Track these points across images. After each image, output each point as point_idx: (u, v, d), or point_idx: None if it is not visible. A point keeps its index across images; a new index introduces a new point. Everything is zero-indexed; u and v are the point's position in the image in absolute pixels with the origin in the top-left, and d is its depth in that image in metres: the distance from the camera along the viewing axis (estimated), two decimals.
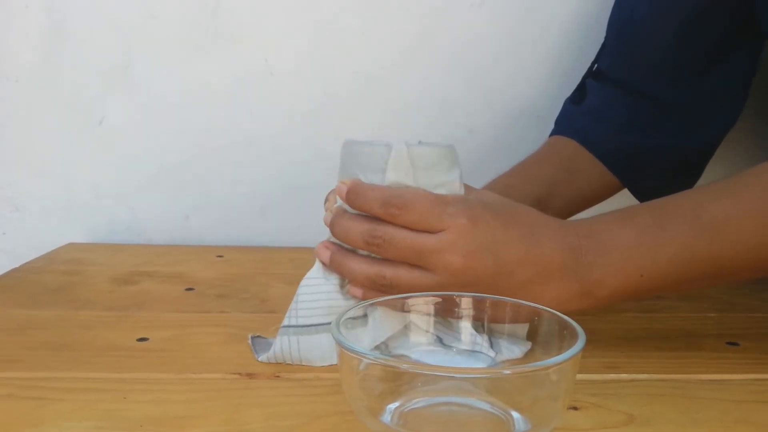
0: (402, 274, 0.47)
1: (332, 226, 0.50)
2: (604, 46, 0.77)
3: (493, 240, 0.47)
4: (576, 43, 0.88)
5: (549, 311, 0.41)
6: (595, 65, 0.77)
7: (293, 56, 0.88)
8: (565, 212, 0.71)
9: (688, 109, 0.71)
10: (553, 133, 0.77)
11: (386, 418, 0.37)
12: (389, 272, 0.47)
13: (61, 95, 0.88)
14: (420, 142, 0.53)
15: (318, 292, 0.50)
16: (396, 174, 0.49)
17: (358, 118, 0.90)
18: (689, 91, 0.71)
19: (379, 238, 0.47)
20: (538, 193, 0.67)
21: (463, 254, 0.46)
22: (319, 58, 0.88)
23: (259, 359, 0.49)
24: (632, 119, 0.72)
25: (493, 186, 0.68)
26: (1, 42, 0.86)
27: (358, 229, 0.48)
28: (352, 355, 0.35)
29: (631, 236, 0.48)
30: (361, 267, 0.48)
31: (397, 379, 0.37)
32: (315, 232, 0.87)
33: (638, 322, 0.59)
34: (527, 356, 0.44)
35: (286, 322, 0.50)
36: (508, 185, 0.67)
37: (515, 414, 0.37)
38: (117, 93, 0.88)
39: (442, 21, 0.88)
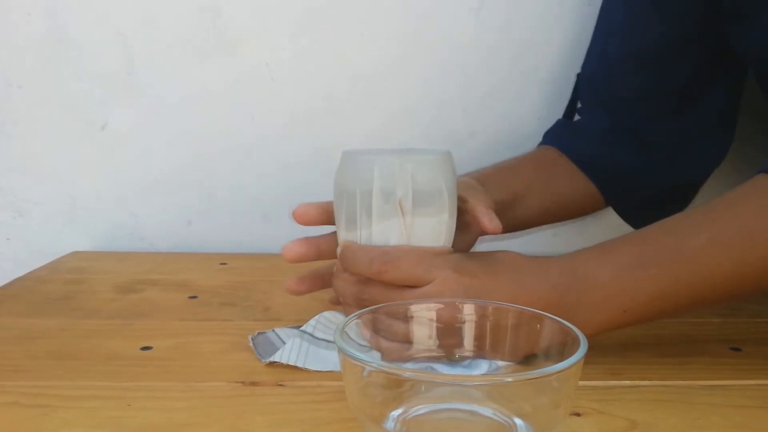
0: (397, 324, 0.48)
1: (333, 284, 0.54)
2: (576, 84, 0.77)
3: (480, 289, 0.48)
4: (575, 44, 0.88)
5: (551, 317, 0.41)
6: (578, 103, 0.78)
7: (293, 60, 0.88)
8: (541, 212, 0.71)
9: (670, 145, 0.72)
10: (540, 144, 0.78)
11: (389, 425, 0.37)
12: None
13: (63, 101, 0.88)
14: (415, 149, 0.53)
15: (339, 318, 0.53)
16: (385, 184, 0.49)
17: (359, 122, 0.90)
18: (667, 127, 0.71)
19: (366, 301, 0.49)
20: (515, 187, 0.67)
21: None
22: (319, 62, 0.88)
23: (266, 360, 0.50)
24: (619, 145, 0.73)
25: (471, 175, 0.67)
26: (3, 48, 0.86)
27: (350, 290, 0.51)
28: (355, 362, 0.35)
29: (610, 274, 0.49)
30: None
31: (400, 386, 0.37)
32: None
33: (640, 328, 0.58)
34: (529, 362, 0.44)
35: (303, 327, 0.52)
36: (486, 174, 0.67)
37: (518, 420, 0.37)
38: (119, 99, 0.88)
39: (440, 24, 0.88)
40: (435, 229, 0.50)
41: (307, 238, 0.57)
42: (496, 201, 0.60)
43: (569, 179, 0.72)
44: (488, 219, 0.53)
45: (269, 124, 0.90)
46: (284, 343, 0.53)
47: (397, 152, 0.52)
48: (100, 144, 0.89)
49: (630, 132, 0.72)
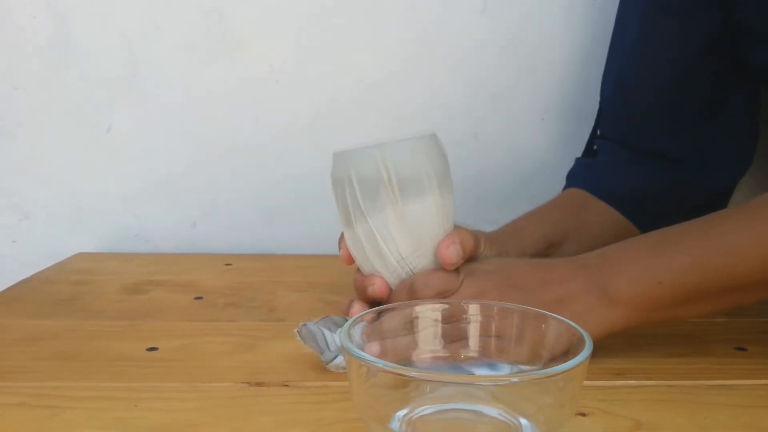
0: None
1: None
2: (600, 111, 0.77)
3: (508, 275, 0.50)
4: (578, 45, 0.88)
5: (556, 317, 0.41)
6: (598, 130, 0.77)
7: (298, 63, 0.88)
8: None
9: (695, 160, 0.71)
10: (565, 188, 0.77)
11: (395, 425, 0.37)
12: None
13: (68, 104, 0.88)
14: (399, 137, 0.53)
15: None
16: (368, 175, 0.50)
17: (363, 125, 0.90)
18: (690, 142, 0.71)
19: None
20: (548, 235, 0.66)
21: (484, 292, 0.49)
22: (323, 65, 0.89)
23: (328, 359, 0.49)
24: (642, 171, 0.73)
25: (502, 230, 0.67)
26: (9, 52, 0.87)
27: None
28: (360, 362, 0.35)
29: (645, 249, 0.50)
30: None
31: (405, 386, 0.37)
32: (321, 238, 0.87)
33: (646, 328, 0.58)
34: (534, 363, 0.44)
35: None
36: (517, 227, 0.66)
37: (523, 420, 0.37)
38: (124, 101, 0.88)
39: (444, 26, 0.88)
40: (429, 212, 0.51)
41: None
42: (532, 254, 0.61)
43: (602, 219, 0.71)
44: (444, 246, 0.51)
45: (273, 127, 0.90)
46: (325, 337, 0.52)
47: (379, 143, 0.52)
48: (104, 146, 0.89)
49: (652, 154, 0.72)
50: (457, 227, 0.53)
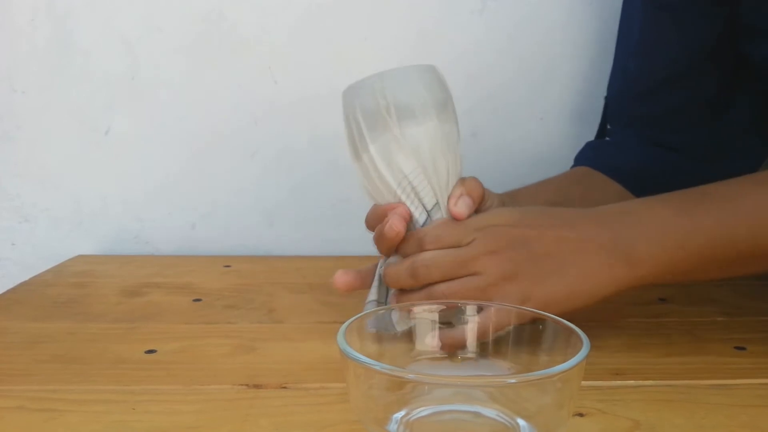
0: (452, 284, 0.49)
1: (385, 277, 0.52)
2: (606, 105, 0.77)
3: (526, 234, 0.49)
4: (577, 45, 0.88)
5: (553, 318, 0.41)
6: (607, 125, 0.77)
7: (297, 64, 0.88)
8: None
9: (702, 154, 0.71)
10: (572, 167, 0.77)
11: (392, 427, 0.37)
12: (441, 287, 0.49)
13: (68, 106, 0.88)
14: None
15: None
16: (367, 104, 0.51)
17: None
18: (700, 136, 0.71)
19: (422, 267, 0.49)
20: (550, 198, 0.65)
21: (497, 251, 0.48)
22: (322, 66, 0.89)
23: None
24: (651, 152, 0.72)
25: (501, 196, 0.67)
26: (8, 55, 0.87)
27: (401, 268, 0.50)
28: (358, 364, 0.35)
29: (669, 211, 0.49)
30: (418, 294, 0.50)
31: (403, 388, 0.37)
32: (321, 240, 0.87)
33: (644, 328, 0.59)
34: (532, 364, 0.44)
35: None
36: (517, 190, 0.66)
37: (521, 421, 0.37)
38: (123, 104, 0.88)
39: (443, 27, 0.88)
40: (427, 135, 0.51)
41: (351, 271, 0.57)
42: None
43: (605, 190, 0.71)
44: (453, 201, 0.51)
45: (273, 128, 0.90)
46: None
47: (380, 72, 0.53)
48: (104, 149, 0.89)
49: (662, 144, 0.72)
50: (463, 177, 0.53)
